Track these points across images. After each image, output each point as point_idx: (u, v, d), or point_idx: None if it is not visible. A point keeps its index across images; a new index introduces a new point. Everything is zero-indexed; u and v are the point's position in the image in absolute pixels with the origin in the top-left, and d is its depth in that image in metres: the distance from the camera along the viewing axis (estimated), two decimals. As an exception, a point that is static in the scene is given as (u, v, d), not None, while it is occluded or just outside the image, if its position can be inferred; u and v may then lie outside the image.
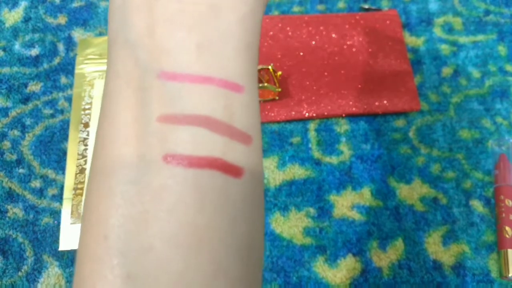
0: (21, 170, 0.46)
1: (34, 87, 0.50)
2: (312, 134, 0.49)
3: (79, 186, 0.45)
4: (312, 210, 0.45)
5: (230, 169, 0.19)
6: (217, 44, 0.20)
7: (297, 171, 0.47)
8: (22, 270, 0.42)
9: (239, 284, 0.19)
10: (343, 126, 0.49)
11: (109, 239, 0.18)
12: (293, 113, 0.49)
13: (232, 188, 0.19)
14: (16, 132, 0.48)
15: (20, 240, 0.44)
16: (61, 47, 0.52)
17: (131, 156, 0.19)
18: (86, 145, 0.47)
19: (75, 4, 0.55)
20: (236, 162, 0.19)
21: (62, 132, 0.48)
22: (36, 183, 0.46)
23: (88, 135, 0.47)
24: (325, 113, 0.49)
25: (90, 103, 0.49)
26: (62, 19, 0.54)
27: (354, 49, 0.53)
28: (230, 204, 0.19)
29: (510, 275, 0.42)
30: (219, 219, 0.19)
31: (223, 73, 0.20)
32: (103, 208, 0.19)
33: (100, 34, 0.53)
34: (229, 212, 0.19)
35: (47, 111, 0.49)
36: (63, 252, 0.43)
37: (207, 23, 0.20)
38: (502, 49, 0.53)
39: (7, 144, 0.48)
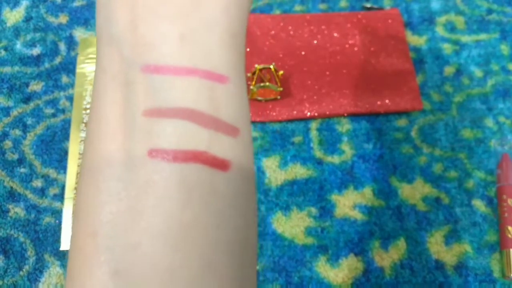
0: (22, 170, 0.46)
1: (36, 86, 0.50)
2: (313, 134, 0.49)
3: (81, 185, 0.45)
4: (313, 210, 0.45)
5: (216, 163, 0.19)
6: (200, 34, 0.19)
7: (298, 171, 0.47)
8: (24, 270, 0.42)
9: (230, 280, 0.19)
10: (345, 126, 0.49)
11: (97, 236, 0.18)
12: (295, 112, 0.49)
13: (219, 182, 0.19)
14: (17, 132, 0.48)
15: (22, 239, 0.44)
16: (62, 46, 0.52)
17: (117, 153, 0.19)
18: (87, 144, 0.47)
19: (76, 4, 0.55)
20: (222, 155, 0.19)
21: (64, 132, 0.48)
22: (38, 183, 0.46)
23: (89, 134, 0.47)
24: (327, 113, 0.49)
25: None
26: (63, 19, 0.54)
27: (356, 48, 0.52)
28: (218, 198, 0.19)
29: (512, 275, 0.42)
30: (206, 214, 0.18)
31: (207, 64, 0.19)
32: (91, 205, 0.19)
33: (102, 33, 0.53)
34: (217, 207, 0.19)
35: (49, 110, 0.49)
36: (65, 251, 0.43)
37: (190, 13, 0.19)
38: (504, 48, 0.53)
39: (8, 143, 0.47)
